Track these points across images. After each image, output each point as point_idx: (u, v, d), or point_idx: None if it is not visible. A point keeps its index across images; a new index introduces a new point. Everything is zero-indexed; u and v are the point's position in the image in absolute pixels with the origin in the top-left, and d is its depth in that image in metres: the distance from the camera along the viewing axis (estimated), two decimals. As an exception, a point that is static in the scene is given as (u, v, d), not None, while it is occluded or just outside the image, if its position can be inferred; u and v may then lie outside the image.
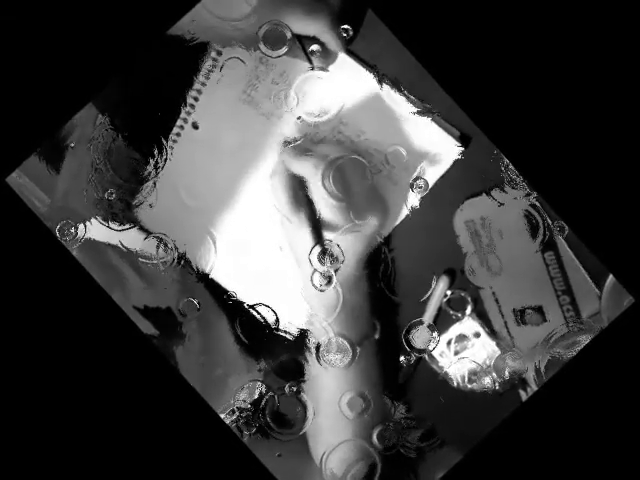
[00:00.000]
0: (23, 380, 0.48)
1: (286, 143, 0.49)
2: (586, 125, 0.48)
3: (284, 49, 0.48)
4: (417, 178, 0.49)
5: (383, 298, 0.49)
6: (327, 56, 0.49)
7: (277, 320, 0.50)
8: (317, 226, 0.48)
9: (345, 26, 0.48)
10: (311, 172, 0.48)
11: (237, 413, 0.49)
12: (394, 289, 0.49)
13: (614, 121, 0.48)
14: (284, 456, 0.49)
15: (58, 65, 0.48)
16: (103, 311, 0.48)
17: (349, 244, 0.48)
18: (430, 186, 0.49)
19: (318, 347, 0.49)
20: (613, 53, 0.48)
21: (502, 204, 0.49)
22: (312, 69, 0.49)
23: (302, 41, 0.48)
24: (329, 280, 0.48)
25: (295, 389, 0.49)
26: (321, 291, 0.48)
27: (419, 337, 0.49)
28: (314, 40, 0.48)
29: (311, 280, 0.49)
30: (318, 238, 0.48)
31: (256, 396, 0.49)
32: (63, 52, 0.48)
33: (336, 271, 0.48)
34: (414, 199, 0.49)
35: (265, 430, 0.49)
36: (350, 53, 0.49)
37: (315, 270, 0.48)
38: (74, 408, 0.48)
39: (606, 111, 0.48)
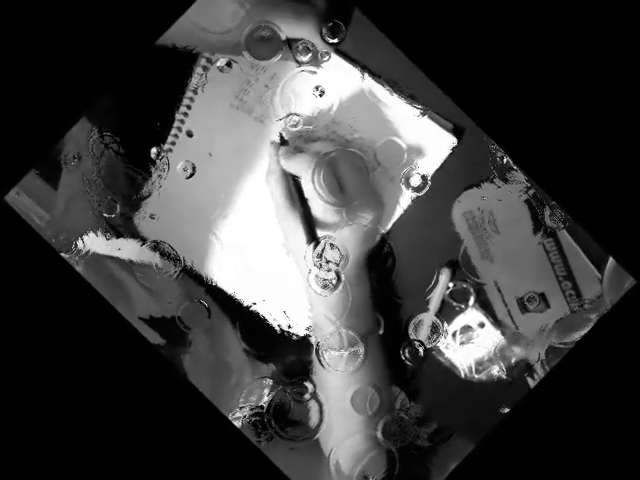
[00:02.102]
0: (37, 396, 0.48)
1: (280, 143, 0.49)
2: (579, 109, 0.48)
3: (273, 59, 0.48)
4: (413, 173, 0.49)
5: (386, 293, 0.49)
6: (317, 57, 0.49)
7: (284, 322, 0.50)
8: (314, 224, 0.48)
9: (338, 22, 0.48)
10: (305, 169, 0.47)
11: (247, 415, 0.49)
12: (397, 284, 0.50)
13: (607, 105, 0.48)
14: (297, 456, 0.49)
15: (49, 82, 0.48)
16: (109, 323, 0.49)
17: (350, 241, 0.48)
18: (427, 181, 0.49)
19: (322, 346, 0.49)
20: (600, 39, 0.48)
21: (499, 193, 0.49)
22: (302, 70, 0.49)
23: (291, 44, 0.48)
24: (337, 278, 0.48)
25: (310, 390, 0.49)
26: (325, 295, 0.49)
27: (424, 329, 0.49)
28: (303, 42, 0.49)
29: (312, 285, 0.49)
30: (314, 237, 0.48)
31: (266, 397, 0.50)
32: (54, 69, 0.48)
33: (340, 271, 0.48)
34: (411, 194, 0.49)
35: (279, 434, 0.49)
36: (340, 53, 0.49)
37: (318, 277, 0.48)
38: (88, 421, 0.48)
39: (600, 95, 0.48)
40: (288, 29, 0.48)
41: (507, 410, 0.48)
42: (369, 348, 0.49)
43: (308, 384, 0.49)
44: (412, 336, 0.49)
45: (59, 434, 0.48)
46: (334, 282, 0.48)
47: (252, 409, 0.49)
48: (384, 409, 0.49)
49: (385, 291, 0.49)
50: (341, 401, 0.49)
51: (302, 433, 0.49)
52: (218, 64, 0.49)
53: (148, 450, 0.48)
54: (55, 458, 0.48)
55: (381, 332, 0.49)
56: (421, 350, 0.49)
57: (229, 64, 0.49)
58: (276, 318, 0.50)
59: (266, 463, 0.49)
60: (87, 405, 0.48)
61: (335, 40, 0.48)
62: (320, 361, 0.49)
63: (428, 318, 0.49)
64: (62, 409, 0.48)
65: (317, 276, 0.48)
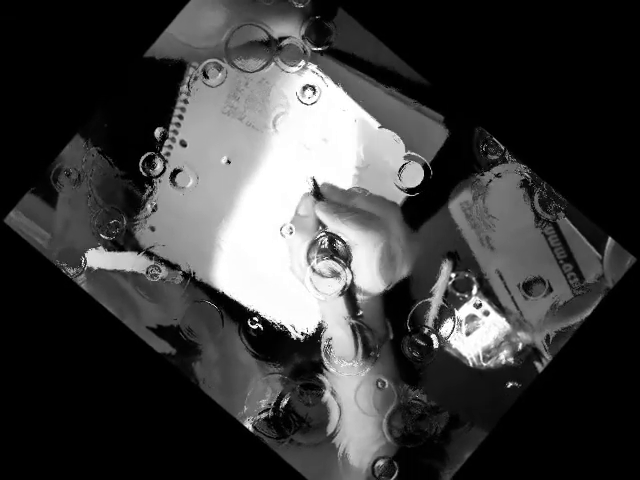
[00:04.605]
0: (54, 413, 0.49)
1: (314, 193, 0.49)
2: (572, 95, 0.48)
3: (264, 70, 0.49)
4: (407, 168, 0.49)
5: (392, 294, 0.50)
6: (305, 58, 0.49)
7: (293, 325, 0.50)
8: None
9: (323, 30, 0.48)
10: (353, 237, 0.47)
11: (259, 416, 0.50)
12: (402, 282, 0.50)
13: (600, 90, 0.48)
14: (305, 451, 0.49)
15: (41, 102, 0.48)
16: (117, 334, 0.49)
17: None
18: (423, 175, 0.49)
19: (333, 355, 0.50)
20: (587, 23, 0.48)
21: (495, 182, 0.49)
22: (287, 72, 0.49)
23: (278, 47, 0.49)
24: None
25: (327, 386, 0.49)
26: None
27: (431, 314, 0.49)
28: (290, 43, 0.49)
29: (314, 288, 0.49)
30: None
31: (278, 397, 0.50)
32: (45, 86, 0.48)
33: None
34: (407, 189, 0.49)
35: (296, 442, 0.50)
36: (327, 53, 0.49)
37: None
38: (101, 432, 0.49)
39: (594, 76, 0.48)
40: (276, 30, 0.48)
41: (512, 385, 0.49)
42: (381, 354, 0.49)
43: (323, 378, 0.50)
44: (421, 326, 0.49)
45: (74, 445, 0.49)
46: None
47: (265, 409, 0.50)
48: (393, 403, 0.49)
49: (392, 293, 0.49)
50: (350, 398, 0.49)
51: (319, 439, 0.49)
52: (206, 71, 0.49)
53: (157, 453, 0.49)
54: (70, 468, 0.49)
55: (391, 337, 0.49)
56: (434, 337, 0.49)
57: (218, 68, 0.49)
58: (285, 321, 0.50)
59: (274, 458, 0.49)
60: (100, 416, 0.49)
61: (320, 48, 0.48)
62: (328, 368, 0.49)
63: (435, 303, 0.49)
64: (78, 423, 0.49)
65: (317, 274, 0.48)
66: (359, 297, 0.49)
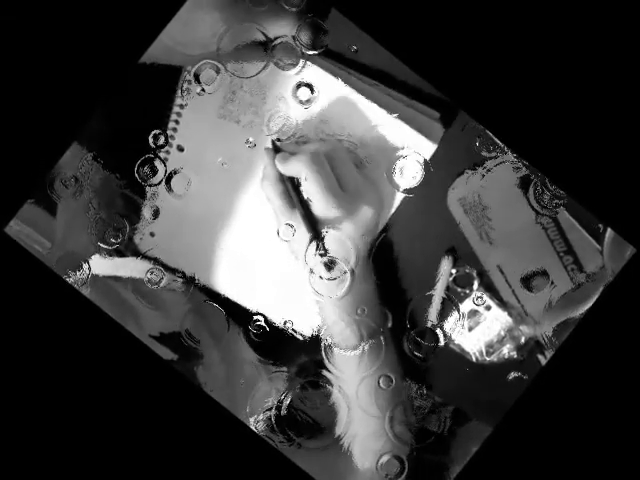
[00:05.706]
0: (61, 420, 0.49)
1: (273, 149, 0.50)
2: (566, 85, 0.48)
3: (261, 74, 0.49)
4: (405, 165, 0.49)
5: (391, 286, 0.50)
6: (299, 59, 0.49)
7: (294, 325, 0.50)
8: (315, 223, 0.49)
9: (317, 33, 0.49)
10: (302, 170, 0.47)
11: (264, 418, 0.50)
12: (401, 275, 0.50)
13: (596, 81, 0.48)
14: (318, 456, 0.49)
15: (37, 108, 0.49)
16: (120, 342, 0.49)
17: (353, 237, 0.48)
18: (420, 171, 0.49)
19: (336, 346, 0.50)
20: (582, 16, 0.48)
21: (492, 177, 0.49)
22: (284, 70, 0.49)
23: (272, 47, 0.49)
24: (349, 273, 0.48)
25: (333, 382, 0.49)
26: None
27: (433, 308, 0.49)
28: (283, 44, 0.49)
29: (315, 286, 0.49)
30: (318, 235, 0.49)
31: (281, 396, 0.50)
32: (41, 93, 0.48)
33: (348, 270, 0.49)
34: (405, 185, 0.49)
35: (302, 446, 0.50)
36: (322, 53, 0.49)
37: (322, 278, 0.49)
38: (110, 442, 0.49)
39: (591, 70, 0.48)
40: (271, 32, 0.48)
41: (514, 376, 0.49)
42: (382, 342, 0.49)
43: (328, 375, 0.49)
44: (426, 321, 0.49)
45: (78, 449, 0.49)
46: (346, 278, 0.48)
47: (269, 408, 0.50)
48: (397, 401, 0.49)
49: (390, 284, 0.50)
50: (353, 396, 0.49)
51: (328, 441, 0.49)
52: (201, 75, 0.49)
53: (162, 454, 0.49)
54: (75, 472, 0.49)
55: (390, 326, 0.49)
56: (439, 332, 0.49)
57: (216, 70, 0.49)
58: (286, 322, 0.50)
59: (278, 458, 0.49)
60: (104, 419, 0.49)
61: (315, 51, 0.49)
62: (329, 365, 0.49)
63: (437, 299, 0.49)
64: (81, 426, 0.49)
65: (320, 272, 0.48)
66: (322, 227, 0.49)
